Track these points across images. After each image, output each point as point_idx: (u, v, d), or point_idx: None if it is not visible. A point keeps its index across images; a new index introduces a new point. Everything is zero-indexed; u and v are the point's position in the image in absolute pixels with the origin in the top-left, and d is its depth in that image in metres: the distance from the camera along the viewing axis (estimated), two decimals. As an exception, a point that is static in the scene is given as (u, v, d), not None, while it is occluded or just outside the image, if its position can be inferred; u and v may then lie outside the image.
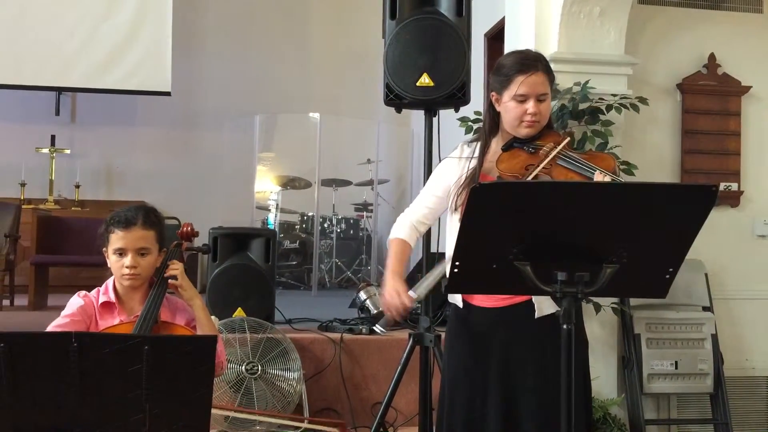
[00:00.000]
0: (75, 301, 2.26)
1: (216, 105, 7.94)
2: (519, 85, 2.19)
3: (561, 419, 1.70)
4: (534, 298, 2.18)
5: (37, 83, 7.23)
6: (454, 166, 2.33)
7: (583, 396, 2.23)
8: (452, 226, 2.29)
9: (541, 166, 2.14)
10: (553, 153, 2.15)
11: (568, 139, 2.22)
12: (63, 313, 2.24)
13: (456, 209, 2.28)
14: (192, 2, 7.96)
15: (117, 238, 2.22)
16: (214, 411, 3.01)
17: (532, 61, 2.22)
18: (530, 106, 2.19)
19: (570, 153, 2.18)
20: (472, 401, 2.22)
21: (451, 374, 2.32)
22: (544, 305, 2.18)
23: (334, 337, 3.96)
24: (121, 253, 2.22)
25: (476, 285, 1.89)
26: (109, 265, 2.28)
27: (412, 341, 3.18)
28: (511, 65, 2.22)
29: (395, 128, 7.82)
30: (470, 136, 2.58)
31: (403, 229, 2.38)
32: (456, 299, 2.31)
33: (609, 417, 3.84)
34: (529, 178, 2.12)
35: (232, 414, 3.47)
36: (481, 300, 2.25)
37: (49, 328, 2.16)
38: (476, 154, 2.31)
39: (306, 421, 3.55)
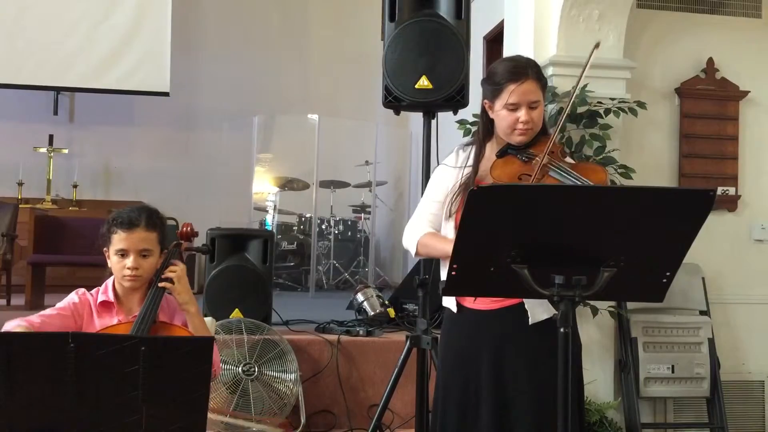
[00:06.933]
0: (70, 298, 2.27)
1: (214, 105, 7.93)
2: (510, 94, 2.17)
3: (557, 422, 1.70)
4: (527, 305, 2.16)
5: (36, 83, 7.23)
6: (451, 173, 2.32)
7: (577, 399, 2.22)
8: (446, 234, 2.28)
9: (533, 179, 2.11)
10: (542, 163, 2.11)
11: (553, 145, 2.16)
12: (57, 305, 2.24)
13: (450, 216, 2.27)
14: (191, 2, 7.96)
15: (119, 239, 2.22)
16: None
17: (522, 69, 2.20)
18: (522, 114, 2.17)
19: (560, 164, 2.14)
20: (465, 403, 2.22)
21: (445, 376, 2.31)
22: (537, 311, 2.16)
23: (331, 338, 3.96)
24: (123, 254, 2.22)
25: (474, 288, 1.89)
26: (109, 266, 2.27)
27: (409, 343, 3.18)
28: (502, 74, 2.20)
29: (394, 130, 7.83)
30: (468, 138, 2.57)
31: (420, 229, 2.31)
32: (449, 302, 2.31)
33: (605, 421, 3.84)
34: None
35: (227, 419, 3.46)
36: (473, 302, 2.24)
37: (35, 317, 2.14)
38: (471, 160, 2.30)
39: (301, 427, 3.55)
